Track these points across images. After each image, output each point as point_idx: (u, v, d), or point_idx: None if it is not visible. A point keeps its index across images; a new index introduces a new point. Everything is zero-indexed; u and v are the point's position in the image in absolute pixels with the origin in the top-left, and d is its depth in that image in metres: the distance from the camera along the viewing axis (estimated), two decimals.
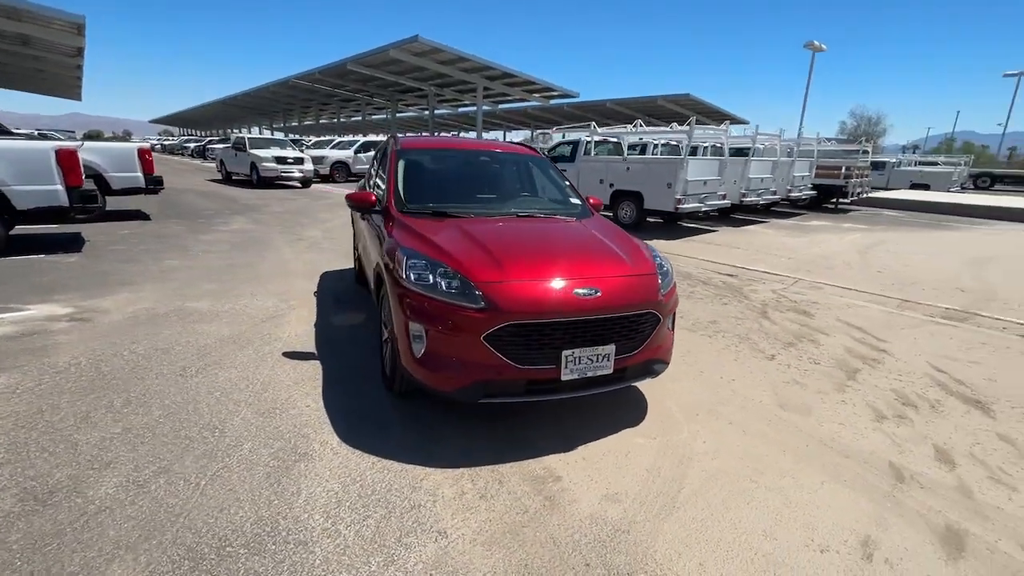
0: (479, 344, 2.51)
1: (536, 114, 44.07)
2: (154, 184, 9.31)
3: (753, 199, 11.58)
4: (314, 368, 3.55)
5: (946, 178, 23.36)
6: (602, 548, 2.04)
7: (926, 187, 23.02)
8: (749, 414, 3.18)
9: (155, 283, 5.43)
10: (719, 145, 11.98)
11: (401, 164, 3.92)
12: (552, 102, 33.08)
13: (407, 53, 23.65)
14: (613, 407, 3.16)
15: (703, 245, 9.22)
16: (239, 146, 17.55)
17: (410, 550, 1.98)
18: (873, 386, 3.65)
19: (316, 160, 18.51)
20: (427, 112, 42.33)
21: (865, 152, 16.78)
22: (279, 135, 39.42)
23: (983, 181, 30.08)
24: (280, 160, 16.37)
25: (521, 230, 3.38)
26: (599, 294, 2.63)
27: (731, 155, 11.22)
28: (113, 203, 9.56)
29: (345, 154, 20.43)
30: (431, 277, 2.65)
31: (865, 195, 15.99)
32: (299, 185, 17.36)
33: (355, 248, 5.80)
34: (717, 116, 36.88)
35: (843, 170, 14.51)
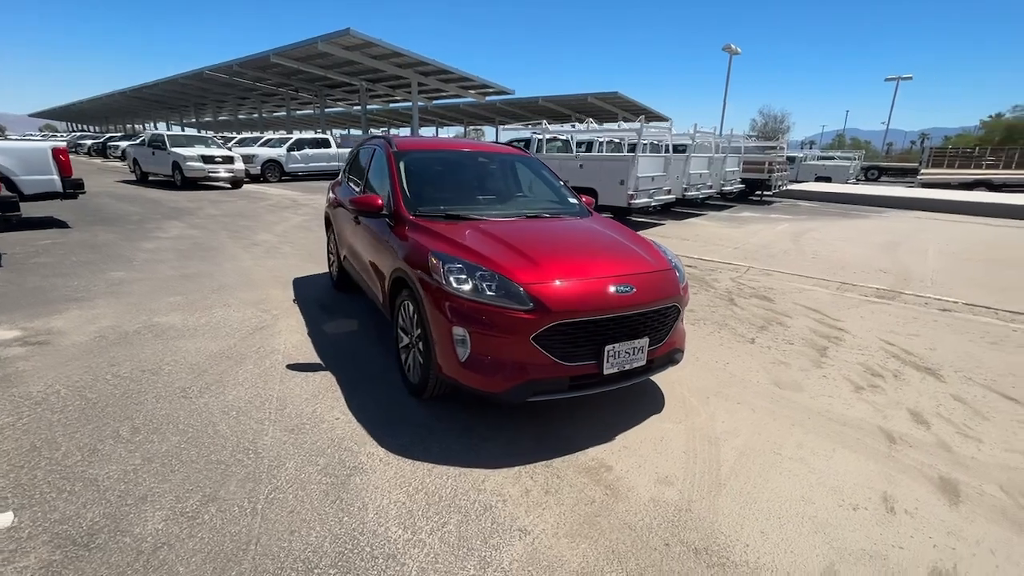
0: (527, 344, 2.57)
1: (469, 110, 43.93)
2: (73, 188, 8.38)
3: (693, 193, 12.33)
4: (327, 379, 3.43)
5: (844, 171, 26.07)
6: (673, 528, 2.18)
7: (828, 179, 25.58)
8: (751, 394, 3.47)
9: (108, 298, 4.94)
10: (658, 142, 12.64)
11: (402, 166, 3.85)
12: (487, 99, 33.10)
13: (337, 47, 22.76)
14: (636, 396, 3.33)
15: (655, 238, 9.70)
16: (157, 144, 16.07)
17: (499, 550, 2.02)
18: (843, 361, 4.10)
19: (246, 159, 17.35)
20: (357, 108, 40.88)
21: (782, 148, 18.36)
22: (191, 131, 36.43)
23: (872, 173, 33.79)
24: (207, 159, 15.18)
25: (540, 230, 3.46)
26: (634, 291, 2.77)
27: (669, 151, 11.88)
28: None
29: (277, 152, 19.30)
30: (472, 281, 2.67)
31: (784, 187, 17.51)
32: (228, 186, 16.20)
33: (332, 253, 5.59)
34: (644, 113, 38.69)
35: (767, 165, 15.79)
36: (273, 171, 19.10)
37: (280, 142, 19.88)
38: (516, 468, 2.55)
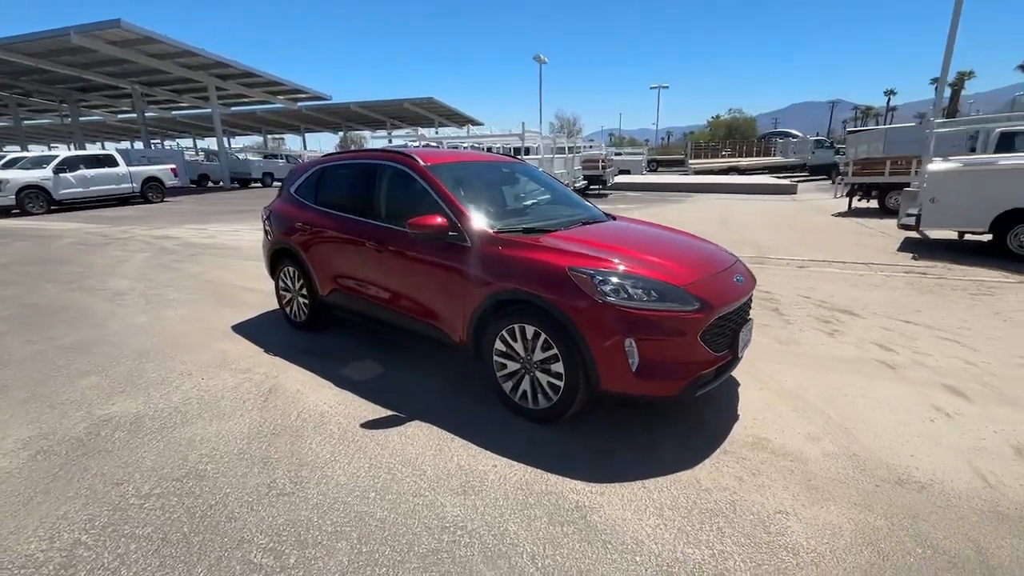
0: (696, 343, 2.68)
1: (270, 118, 39.68)
2: None
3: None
4: (426, 428, 2.99)
5: (639, 164, 30.97)
6: (863, 471, 2.56)
7: (628, 171, 30.07)
8: (775, 354, 4.11)
9: None
10: (499, 147, 13.40)
11: (449, 182, 3.51)
12: (298, 105, 30.31)
13: (101, 41, 18.47)
14: None
15: None
16: None
17: (785, 535, 2.14)
18: (796, 316, 5.09)
19: None
20: (124, 115, 33.51)
21: (600, 148, 21.04)
22: None
23: (652, 165, 40.74)
24: None
25: (621, 234, 3.56)
26: (744, 280, 3.10)
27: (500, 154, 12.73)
28: None
29: (39, 175, 14.79)
30: (633, 290, 2.66)
31: (612, 182, 20.12)
32: None
33: (288, 291, 4.71)
34: (458, 118, 39.93)
35: (601, 163, 17.94)
36: (36, 200, 14.63)
37: (42, 161, 15.27)
38: (704, 463, 2.66)
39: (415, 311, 3.58)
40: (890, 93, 71.90)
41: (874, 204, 13.09)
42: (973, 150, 10.18)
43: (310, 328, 4.66)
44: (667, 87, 41.72)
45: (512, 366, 3.07)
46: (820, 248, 8.45)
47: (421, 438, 2.89)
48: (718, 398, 3.33)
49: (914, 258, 7.53)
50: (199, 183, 27.56)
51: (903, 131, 15.73)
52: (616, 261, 2.86)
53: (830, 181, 21.96)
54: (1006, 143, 9.25)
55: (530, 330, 2.91)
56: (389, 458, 2.69)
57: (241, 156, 28.78)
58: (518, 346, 3.01)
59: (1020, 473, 2.52)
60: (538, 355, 2.92)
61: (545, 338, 2.84)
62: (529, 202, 4.28)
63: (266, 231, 4.97)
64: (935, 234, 8.88)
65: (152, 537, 2.13)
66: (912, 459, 2.66)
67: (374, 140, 47.43)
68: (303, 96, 28.32)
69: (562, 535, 2.13)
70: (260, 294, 5.86)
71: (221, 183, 26.46)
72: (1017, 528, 2.15)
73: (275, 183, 26.00)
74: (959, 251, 7.85)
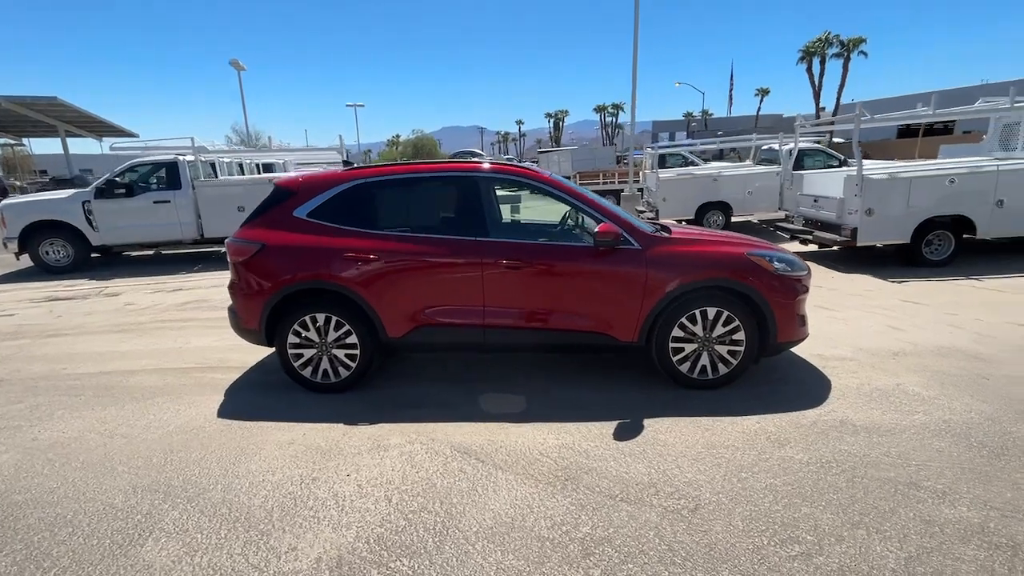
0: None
1: None
2: None
3: None
4: (663, 423, 3.19)
5: None
6: (974, 365, 4.19)
7: None
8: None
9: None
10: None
11: (587, 193, 3.62)
12: None
13: None
14: None
15: None
16: None
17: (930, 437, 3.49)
18: None
19: None
20: None
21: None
22: None
23: None
24: None
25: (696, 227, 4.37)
26: None
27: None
28: None
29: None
30: (793, 263, 3.58)
31: None
32: None
33: (332, 341, 3.66)
34: (98, 127, 30.60)
35: None
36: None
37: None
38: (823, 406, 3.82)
39: (571, 325, 3.56)
40: (520, 123, 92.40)
41: None
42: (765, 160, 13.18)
43: (348, 387, 3.73)
44: (363, 105, 42.28)
45: (689, 348, 3.56)
46: None
47: (681, 428, 3.10)
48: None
49: None
50: None
51: (582, 151, 21.12)
52: (751, 243, 3.72)
53: None
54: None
55: (711, 311, 3.48)
56: (539, 511, 2.84)
57: None
58: (697, 328, 3.52)
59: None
60: (717, 331, 3.52)
61: (728, 314, 3.47)
62: None
63: (244, 279, 3.63)
64: None
65: None
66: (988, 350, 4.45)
67: None
68: None
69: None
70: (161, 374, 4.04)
71: None
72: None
73: None
74: None
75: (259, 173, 12.23)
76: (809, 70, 41.15)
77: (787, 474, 2.60)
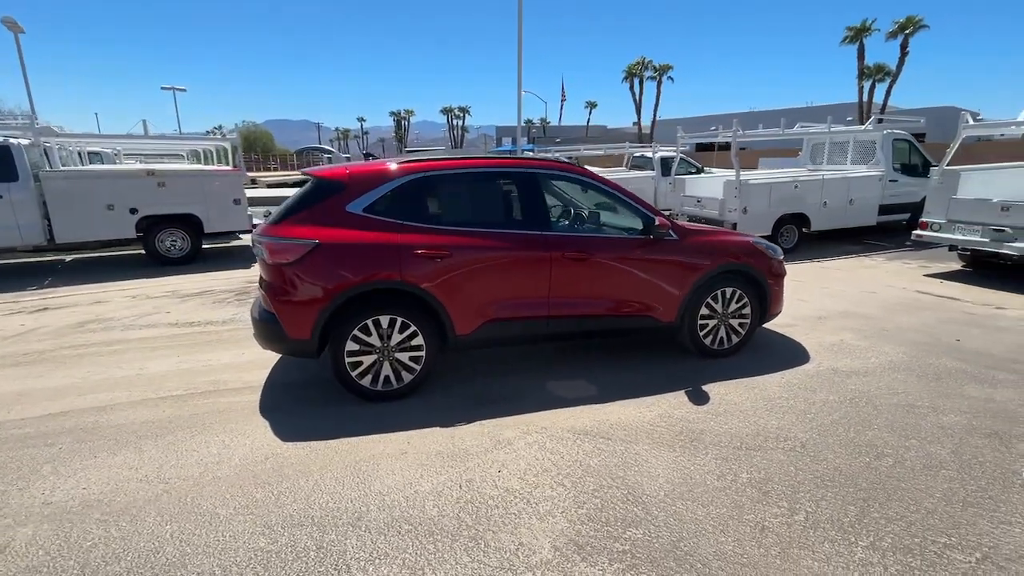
0: None
1: None
2: None
3: None
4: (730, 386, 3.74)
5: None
6: (953, 307, 5.39)
7: None
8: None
9: None
10: None
11: (626, 189, 3.96)
12: None
13: None
14: None
15: None
16: None
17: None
18: None
19: None
20: None
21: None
22: None
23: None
24: None
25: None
26: None
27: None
28: None
29: None
30: (773, 249, 4.42)
31: None
32: None
33: (395, 345, 3.43)
34: None
35: None
36: None
37: None
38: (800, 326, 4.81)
39: (627, 310, 3.91)
40: (362, 120, 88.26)
41: None
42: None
43: (407, 393, 3.56)
44: (184, 90, 35.98)
45: (711, 323, 4.20)
46: None
47: (735, 389, 3.67)
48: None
49: None
50: None
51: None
52: (745, 233, 4.50)
53: None
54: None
55: (728, 290, 4.17)
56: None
57: None
58: (718, 306, 4.18)
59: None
60: (732, 307, 4.22)
61: (740, 292, 4.19)
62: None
63: (292, 283, 3.21)
64: None
65: None
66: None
67: None
68: None
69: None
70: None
71: None
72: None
73: None
74: None
75: (82, 164, 9.93)
76: (631, 88, 47.41)
77: (835, 411, 3.33)
